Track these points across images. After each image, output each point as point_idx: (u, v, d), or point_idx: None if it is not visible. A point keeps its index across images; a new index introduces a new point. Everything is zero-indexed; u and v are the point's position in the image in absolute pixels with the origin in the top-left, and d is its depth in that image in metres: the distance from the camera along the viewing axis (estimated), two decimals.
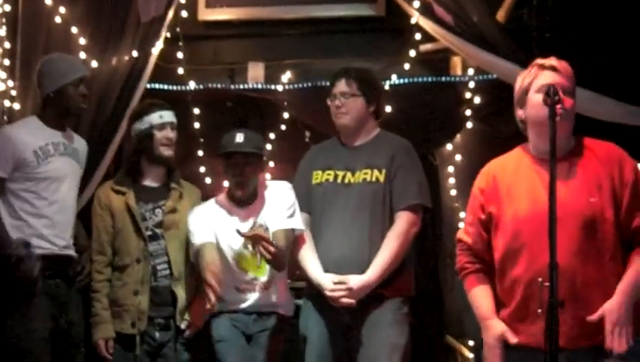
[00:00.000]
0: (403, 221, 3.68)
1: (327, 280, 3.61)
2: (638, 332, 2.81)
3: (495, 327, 2.97)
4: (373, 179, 3.71)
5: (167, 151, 4.03)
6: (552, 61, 2.96)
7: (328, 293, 3.58)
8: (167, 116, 4.06)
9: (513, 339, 2.91)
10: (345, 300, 3.56)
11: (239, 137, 3.84)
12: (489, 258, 3.07)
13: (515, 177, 3.01)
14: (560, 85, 2.83)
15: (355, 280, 3.57)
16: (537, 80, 2.94)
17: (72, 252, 3.97)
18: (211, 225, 3.87)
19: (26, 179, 3.82)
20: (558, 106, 2.75)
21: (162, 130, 4.02)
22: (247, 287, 3.89)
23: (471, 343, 4.95)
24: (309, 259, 3.73)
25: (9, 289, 3.74)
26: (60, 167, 3.94)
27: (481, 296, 3.07)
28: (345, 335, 3.66)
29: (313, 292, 3.73)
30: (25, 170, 3.81)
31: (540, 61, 2.99)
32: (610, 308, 2.76)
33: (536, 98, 2.91)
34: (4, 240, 3.72)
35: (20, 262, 3.69)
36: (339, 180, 3.76)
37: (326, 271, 3.65)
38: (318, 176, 3.82)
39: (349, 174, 3.75)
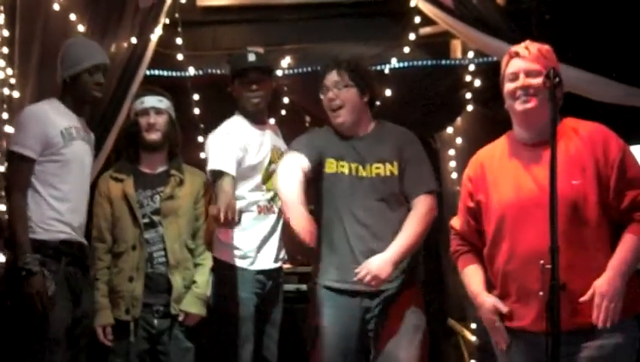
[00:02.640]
0: (423, 204, 3.68)
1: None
2: (630, 311, 2.82)
3: (486, 302, 3.01)
4: (387, 173, 3.69)
5: (150, 136, 4.05)
6: (518, 47, 3.00)
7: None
8: (149, 101, 4.08)
9: (504, 309, 2.96)
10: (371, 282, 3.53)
11: (251, 56, 3.91)
12: (479, 244, 3.14)
13: (501, 164, 3.05)
14: (524, 70, 2.94)
15: (375, 261, 3.54)
16: (507, 69, 3.01)
17: (84, 239, 3.98)
18: (242, 142, 3.90)
19: (52, 161, 3.80)
20: (519, 93, 2.92)
21: (144, 116, 4.06)
22: (266, 206, 3.95)
23: (473, 326, 4.96)
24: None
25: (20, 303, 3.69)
26: (82, 151, 3.96)
27: (470, 275, 3.14)
28: (363, 319, 3.67)
29: (324, 280, 3.73)
30: (52, 150, 3.79)
31: (511, 49, 3.04)
32: (600, 283, 2.76)
33: (506, 87, 3.01)
34: (21, 248, 3.66)
35: (29, 277, 3.62)
36: (353, 173, 3.71)
37: (355, 264, 3.61)
38: (333, 166, 3.74)
39: (360, 167, 3.71)
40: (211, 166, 3.79)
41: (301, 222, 3.44)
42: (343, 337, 3.68)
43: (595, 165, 2.85)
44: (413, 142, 3.81)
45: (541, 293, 2.63)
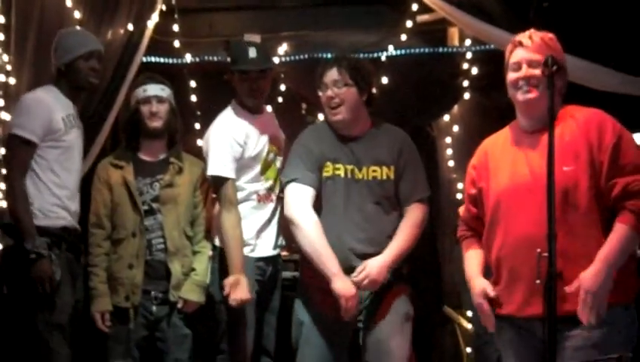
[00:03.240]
0: (418, 211, 3.70)
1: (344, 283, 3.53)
2: (620, 300, 2.81)
3: (477, 286, 3.04)
4: (384, 176, 3.67)
5: (152, 124, 4.03)
6: (522, 37, 2.99)
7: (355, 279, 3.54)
8: (152, 90, 4.05)
9: (492, 293, 2.98)
10: (364, 284, 3.54)
11: (252, 52, 3.84)
12: (480, 230, 3.15)
13: (502, 152, 3.06)
14: (527, 60, 2.92)
15: (373, 262, 3.55)
16: (511, 58, 3.00)
17: (78, 226, 4.00)
18: (241, 136, 3.85)
19: (54, 148, 3.82)
20: (521, 83, 2.91)
21: (146, 104, 4.03)
22: (265, 195, 3.93)
23: (469, 314, 4.97)
24: (327, 254, 3.58)
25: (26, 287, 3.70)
26: (78, 138, 4.00)
27: (469, 259, 3.18)
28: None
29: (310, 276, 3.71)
30: (53, 136, 3.81)
31: (515, 37, 3.02)
32: (586, 276, 2.74)
33: (509, 76, 2.99)
34: (28, 231, 3.68)
35: (39, 260, 3.65)
36: (349, 176, 3.68)
37: (348, 268, 3.59)
38: (329, 170, 3.69)
39: (355, 169, 3.68)
40: (211, 171, 3.81)
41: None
42: (331, 330, 3.69)
43: (588, 150, 2.84)
44: (410, 145, 3.79)
45: (538, 281, 2.63)
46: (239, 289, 3.63)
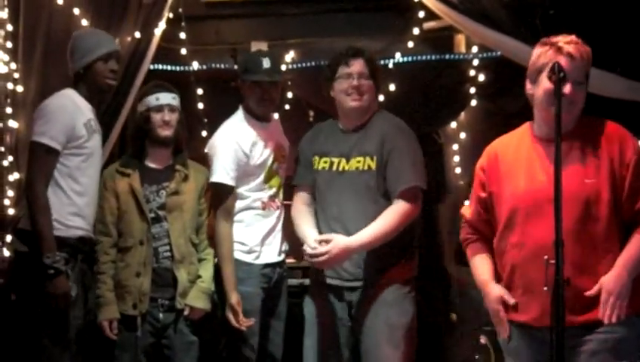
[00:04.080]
0: (399, 205, 3.58)
1: (310, 241, 3.61)
2: (637, 308, 2.82)
3: (493, 291, 3.00)
4: (365, 167, 3.63)
5: (163, 132, 4.02)
6: (569, 47, 2.85)
7: (309, 251, 3.57)
8: (164, 98, 4.04)
9: (511, 301, 2.94)
10: (320, 259, 3.52)
11: (266, 62, 3.85)
12: (489, 234, 3.12)
13: (516, 156, 3.01)
14: (572, 78, 2.79)
15: (338, 239, 3.53)
16: (550, 65, 2.82)
17: (93, 234, 3.97)
18: (247, 144, 3.88)
19: (77, 155, 3.78)
20: (566, 88, 2.75)
21: (159, 113, 4.01)
22: (270, 204, 3.97)
23: None
24: (304, 223, 3.74)
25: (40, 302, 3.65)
26: (99, 143, 3.98)
27: (479, 264, 3.13)
28: (349, 314, 3.67)
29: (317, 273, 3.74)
30: (76, 143, 3.77)
31: (560, 42, 2.87)
32: (608, 279, 2.77)
33: (545, 82, 2.85)
34: (48, 245, 3.62)
35: (56, 276, 3.61)
36: (334, 168, 3.70)
37: None
38: (316, 163, 3.76)
39: (343, 161, 3.68)
40: (215, 178, 3.86)
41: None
42: (327, 330, 3.72)
43: (609, 164, 2.83)
44: (398, 133, 3.69)
45: (545, 288, 2.62)
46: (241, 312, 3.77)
